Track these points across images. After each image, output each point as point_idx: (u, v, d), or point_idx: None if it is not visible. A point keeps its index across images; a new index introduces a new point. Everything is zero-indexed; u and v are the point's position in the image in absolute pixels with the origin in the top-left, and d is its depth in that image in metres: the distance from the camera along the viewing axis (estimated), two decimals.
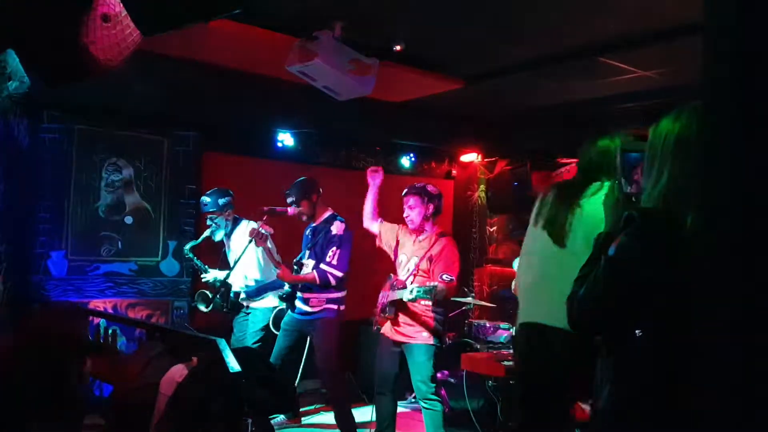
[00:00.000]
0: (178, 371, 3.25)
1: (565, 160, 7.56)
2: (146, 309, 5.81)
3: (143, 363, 3.50)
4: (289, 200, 4.90)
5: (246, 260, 4.96)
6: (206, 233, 5.28)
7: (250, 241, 4.77)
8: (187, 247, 5.28)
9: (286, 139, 6.52)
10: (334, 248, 4.76)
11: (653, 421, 1.65)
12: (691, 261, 1.55)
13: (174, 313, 5.94)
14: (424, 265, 4.48)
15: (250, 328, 5.18)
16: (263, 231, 4.72)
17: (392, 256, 4.78)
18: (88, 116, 5.53)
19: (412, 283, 4.43)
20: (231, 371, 2.36)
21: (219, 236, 5.28)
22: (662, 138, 1.71)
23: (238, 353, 2.78)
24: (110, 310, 5.58)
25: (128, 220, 5.76)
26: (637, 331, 1.67)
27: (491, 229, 8.28)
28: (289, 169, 6.38)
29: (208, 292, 5.14)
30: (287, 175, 5.83)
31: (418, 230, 4.60)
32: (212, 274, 5.22)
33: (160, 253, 5.92)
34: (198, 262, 5.29)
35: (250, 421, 2.82)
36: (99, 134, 5.62)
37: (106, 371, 3.87)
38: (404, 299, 4.34)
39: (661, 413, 1.64)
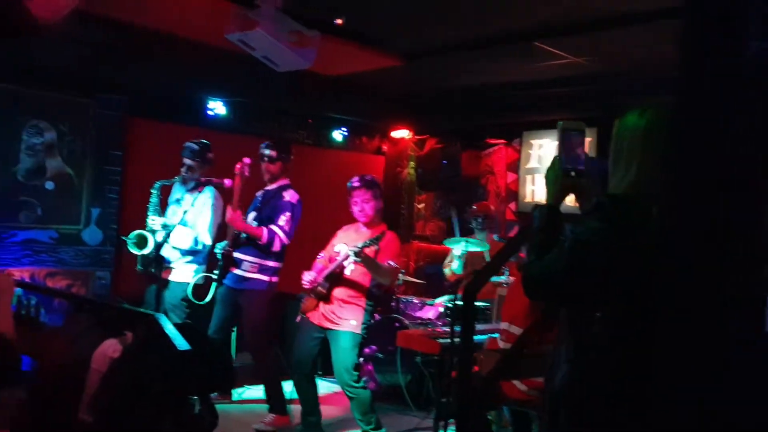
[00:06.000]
0: (111, 346, 3.15)
1: (494, 141, 7.71)
2: (66, 279, 5.58)
3: (71, 337, 3.38)
4: (267, 152, 4.85)
5: (203, 222, 4.99)
6: (178, 179, 5.12)
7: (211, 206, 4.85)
8: (158, 184, 5.10)
9: (217, 107, 6.36)
10: (288, 213, 4.74)
11: (609, 404, 1.71)
12: (654, 250, 1.63)
13: (96, 284, 5.73)
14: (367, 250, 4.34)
15: (167, 302, 4.98)
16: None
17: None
18: (8, 74, 5.19)
19: (352, 269, 4.39)
20: (179, 349, 2.30)
21: (179, 189, 5.16)
22: (628, 133, 1.78)
23: (178, 329, 2.72)
24: (27, 280, 5.32)
25: (49, 185, 5.47)
26: (597, 314, 1.74)
27: (419, 206, 8.37)
28: (220, 138, 6.21)
29: (147, 235, 4.94)
30: (217, 145, 5.71)
31: (368, 223, 4.52)
32: (162, 220, 5.02)
33: (82, 220, 5.67)
34: (156, 201, 5.09)
35: (196, 399, 2.77)
36: (20, 94, 5.29)
37: (28, 344, 3.71)
38: (351, 255, 4.19)
39: (616, 397, 1.70)
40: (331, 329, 4.42)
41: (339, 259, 4.36)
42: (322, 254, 4.71)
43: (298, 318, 4.62)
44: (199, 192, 5.09)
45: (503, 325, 3.70)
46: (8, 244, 5.28)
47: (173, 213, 5.11)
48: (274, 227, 4.70)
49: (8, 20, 2.58)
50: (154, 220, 4.99)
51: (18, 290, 4.60)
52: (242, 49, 4.47)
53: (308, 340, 4.51)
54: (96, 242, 5.75)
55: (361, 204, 4.46)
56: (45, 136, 5.43)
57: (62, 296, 4.43)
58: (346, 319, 4.40)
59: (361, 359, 4.74)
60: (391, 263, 4.35)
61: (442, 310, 6.01)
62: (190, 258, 5.09)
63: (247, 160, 4.80)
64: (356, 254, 4.17)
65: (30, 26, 2.60)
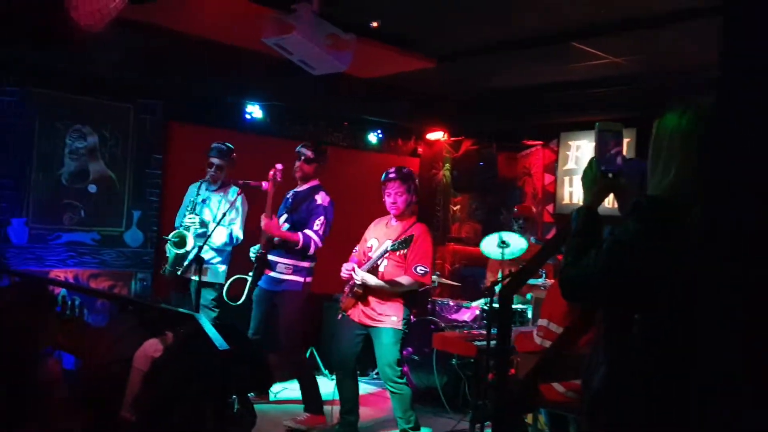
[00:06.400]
0: (152, 346, 3.21)
1: (530, 142, 7.66)
2: (109, 280, 5.70)
3: (114, 337, 3.45)
4: (304, 151, 4.98)
5: (236, 218, 5.19)
6: (207, 179, 5.31)
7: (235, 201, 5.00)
8: (198, 183, 5.35)
9: (254, 111, 6.44)
10: (321, 218, 4.82)
11: (647, 407, 1.70)
12: (693, 251, 1.61)
13: (137, 285, 5.84)
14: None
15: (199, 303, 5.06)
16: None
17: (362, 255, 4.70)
18: (52, 81, 5.36)
19: (385, 264, 4.41)
20: (219, 348, 2.34)
21: (204, 190, 5.31)
22: (668, 133, 1.76)
23: (218, 329, 2.76)
24: (71, 280, 5.46)
25: (92, 188, 5.61)
26: (636, 316, 1.72)
27: (455, 208, 8.35)
28: (257, 141, 6.31)
29: (186, 235, 5.04)
30: (254, 148, 5.79)
31: (399, 216, 4.53)
32: (198, 218, 5.14)
33: (124, 223, 5.80)
34: (195, 200, 5.25)
35: (235, 399, 2.82)
36: (63, 100, 5.45)
37: (72, 343, 3.80)
38: (380, 253, 4.28)
39: (654, 399, 1.69)
40: (372, 326, 4.44)
41: (367, 267, 4.39)
42: (357, 248, 4.75)
43: (339, 316, 4.65)
44: (227, 191, 5.28)
45: (542, 322, 3.67)
46: (53, 246, 5.42)
47: (200, 212, 5.23)
48: (309, 232, 4.77)
49: (52, 28, 2.65)
50: (192, 218, 5.09)
51: (62, 291, 4.73)
52: (279, 53, 4.51)
53: (350, 337, 4.53)
54: (137, 244, 5.87)
55: (394, 196, 4.47)
56: (87, 141, 5.57)
57: (106, 297, 4.52)
58: (387, 316, 4.40)
59: None
60: (419, 269, 4.33)
61: (478, 312, 5.99)
62: (219, 258, 5.21)
63: (279, 166, 4.86)
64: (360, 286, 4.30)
65: (73, 34, 2.67)
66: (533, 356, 3.44)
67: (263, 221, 4.80)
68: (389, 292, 4.40)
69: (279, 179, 4.86)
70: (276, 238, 4.84)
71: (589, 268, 1.73)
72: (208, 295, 5.14)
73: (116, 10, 2.81)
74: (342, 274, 4.54)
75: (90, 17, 2.71)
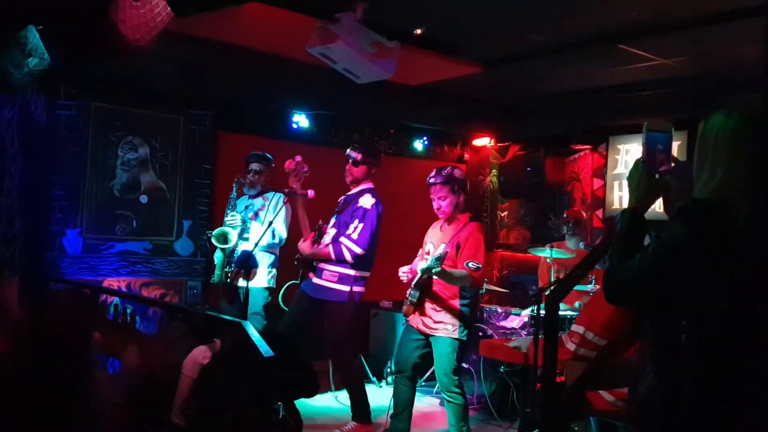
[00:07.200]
0: (201, 353, 3.26)
1: (578, 147, 7.55)
2: (160, 288, 5.83)
3: (165, 344, 3.52)
4: (352, 153, 4.89)
5: (278, 219, 5.13)
6: (246, 185, 5.39)
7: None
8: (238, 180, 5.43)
9: (301, 120, 6.52)
10: (357, 222, 4.66)
11: (696, 413, 1.65)
12: (742, 255, 1.57)
13: (187, 293, 5.95)
14: (451, 250, 4.28)
15: (249, 309, 5.04)
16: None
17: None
18: (104, 93, 5.54)
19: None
20: (264, 355, 2.36)
21: (244, 198, 5.40)
22: (713, 135, 1.72)
23: (264, 337, 2.78)
24: (124, 289, 5.60)
25: (143, 199, 5.76)
26: (683, 322, 1.68)
27: (502, 214, 8.27)
28: (303, 150, 6.34)
29: (228, 232, 5.11)
30: (301, 157, 5.83)
31: (448, 219, 4.47)
32: (240, 216, 5.19)
33: (174, 232, 5.93)
34: (235, 197, 5.34)
35: (281, 405, 2.83)
36: (115, 112, 5.62)
37: (124, 350, 3.88)
38: (419, 273, 4.24)
39: (704, 405, 1.64)
40: (429, 335, 4.38)
41: (416, 278, 4.34)
42: (420, 252, 4.69)
43: (404, 321, 4.62)
44: (264, 196, 5.35)
45: (577, 329, 3.59)
46: (106, 255, 5.58)
47: (246, 217, 5.30)
48: (342, 239, 4.67)
49: (101, 42, 2.73)
50: (233, 216, 5.16)
51: (116, 299, 4.85)
52: (324, 63, 4.54)
53: (409, 342, 4.47)
54: (187, 253, 5.99)
55: (438, 201, 4.40)
56: (139, 152, 5.73)
57: (156, 305, 4.62)
58: (443, 324, 4.32)
59: None
60: (470, 264, 4.24)
61: (526, 319, 5.91)
62: (269, 260, 5.25)
63: (298, 157, 4.87)
64: (426, 272, 4.16)
65: (122, 47, 2.74)
66: (581, 363, 3.38)
67: (300, 242, 4.82)
68: (445, 301, 4.34)
69: (305, 170, 4.82)
70: (323, 239, 4.84)
71: (634, 272, 1.69)
72: (258, 302, 5.14)
73: (163, 23, 2.87)
74: (400, 277, 4.49)
75: (137, 30, 2.78)
